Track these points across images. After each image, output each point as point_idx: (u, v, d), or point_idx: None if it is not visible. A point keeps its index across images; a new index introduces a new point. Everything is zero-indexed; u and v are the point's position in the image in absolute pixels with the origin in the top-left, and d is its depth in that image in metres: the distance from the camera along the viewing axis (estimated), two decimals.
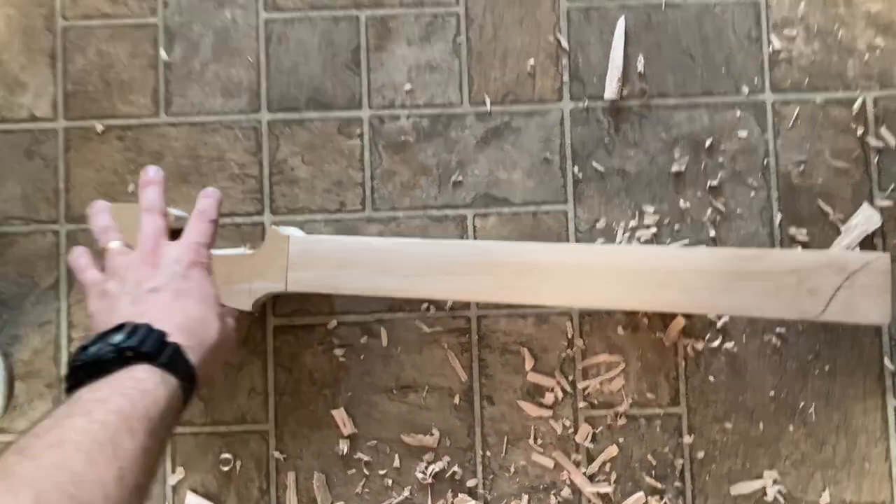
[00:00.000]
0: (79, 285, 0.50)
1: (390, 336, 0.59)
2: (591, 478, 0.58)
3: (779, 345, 0.58)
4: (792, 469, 0.58)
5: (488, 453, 0.58)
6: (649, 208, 0.59)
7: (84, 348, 0.40)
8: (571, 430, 0.58)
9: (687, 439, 0.58)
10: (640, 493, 0.58)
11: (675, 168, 0.60)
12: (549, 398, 0.58)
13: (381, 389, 0.59)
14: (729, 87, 0.60)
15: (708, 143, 0.60)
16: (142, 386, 0.38)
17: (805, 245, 0.59)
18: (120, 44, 0.61)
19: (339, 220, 0.60)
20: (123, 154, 0.60)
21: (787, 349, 0.58)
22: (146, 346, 0.39)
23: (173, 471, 0.58)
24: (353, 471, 0.58)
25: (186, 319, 0.43)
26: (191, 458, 0.59)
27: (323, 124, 0.61)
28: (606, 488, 0.58)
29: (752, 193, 0.59)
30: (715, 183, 0.59)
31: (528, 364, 0.59)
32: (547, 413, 0.58)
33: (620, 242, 0.59)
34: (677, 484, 0.58)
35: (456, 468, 0.58)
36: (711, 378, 0.58)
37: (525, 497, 0.58)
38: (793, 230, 0.59)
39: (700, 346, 0.58)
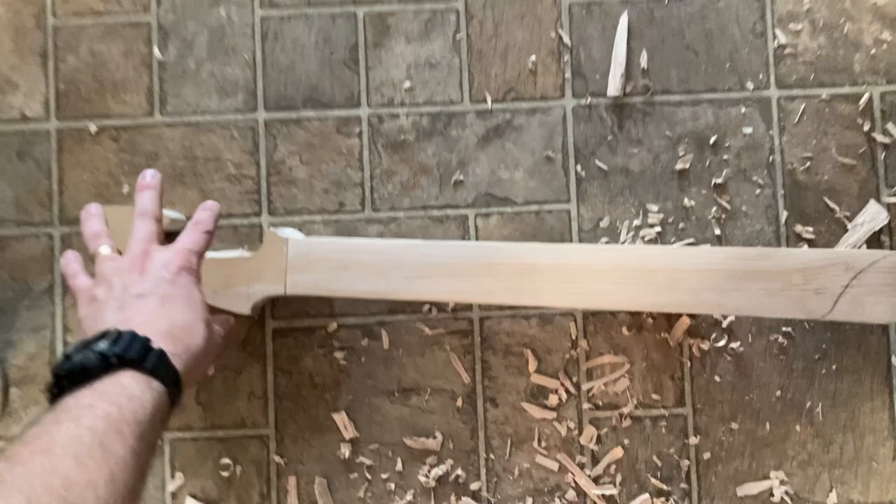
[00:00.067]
0: (69, 291, 0.49)
1: (391, 338, 0.58)
2: (596, 480, 0.57)
3: (785, 344, 0.58)
4: (799, 469, 0.57)
5: (492, 456, 0.58)
6: (653, 207, 0.59)
7: (68, 356, 0.39)
8: (576, 431, 0.58)
9: (693, 440, 0.57)
10: (646, 495, 0.57)
11: (679, 166, 0.59)
12: (553, 400, 0.58)
13: (382, 392, 0.58)
14: (733, 83, 0.59)
15: (712, 139, 0.59)
16: (128, 392, 0.38)
17: (811, 243, 0.58)
18: (113, 42, 0.60)
19: (338, 220, 0.59)
20: (118, 155, 0.59)
21: (794, 348, 0.58)
22: (131, 352, 0.39)
23: (172, 476, 0.58)
24: (355, 475, 0.58)
25: (171, 326, 0.42)
26: (190, 463, 0.58)
27: (321, 123, 0.60)
28: (612, 490, 0.57)
29: (758, 191, 0.59)
30: (720, 180, 0.58)
31: (532, 366, 0.58)
32: (551, 415, 0.58)
33: (624, 241, 0.58)
34: (683, 485, 0.57)
35: (459, 471, 0.57)
36: (717, 378, 0.58)
37: (529, 500, 0.57)
38: (799, 228, 0.58)
39: (706, 345, 0.58)
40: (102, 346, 0.39)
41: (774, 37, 0.59)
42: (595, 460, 0.58)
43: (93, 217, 0.49)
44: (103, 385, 0.38)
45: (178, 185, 0.59)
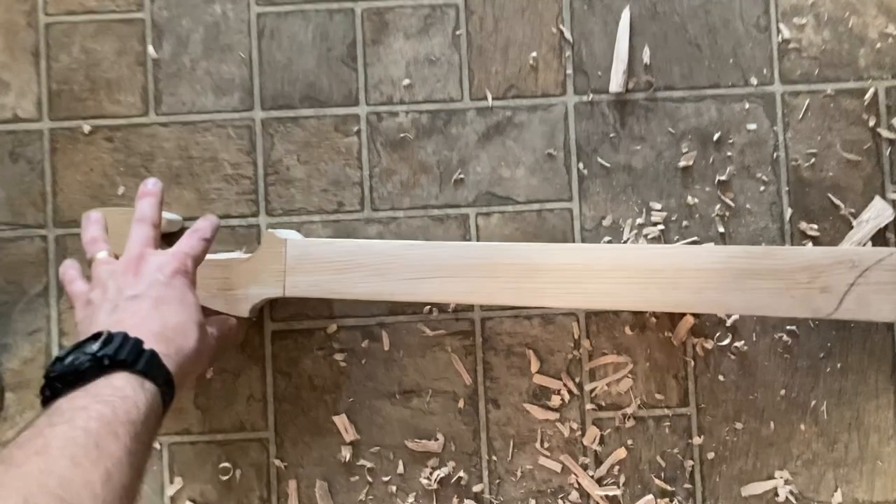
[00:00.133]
0: (67, 297, 0.49)
1: (392, 340, 0.58)
2: (600, 481, 0.57)
3: (789, 342, 0.57)
4: (803, 468, 0.57)
5: (494, 458, 0.57)
6: (656, 204, 0.58)
7: (59, 359, 0.39)
8: (579, 432, 0.57)
9: (697, 440, 0.57)
10: (650, 496, 0.56)
11: (682, 163, 0.58)
12: (555, 401, 0.57)
13: (383, 394, 0.57)
14: (737, 79, 0.58)
15: (716, 136, 0.58)
16: (121, 393, 0.38)
17: (816, 240, 0.58)
18: (106, 40, 0.59)
19: (337, 220, 0.58)
20: (112, 155, 0.58)
21: (798, 347, 0.57)
22: (122, 353, 0.39)
23: (171, 481, 0.57)
24: (357, 478, 0.57)
25: (163, 327, 0.43)
26: (189, 467, 0.57)
27: (319, 122, 0.59)
28: (615, 491, 0.56)
29: (762, 188, 0.58)
30: (723, 177, 0.58)
31: (534, 366, 0.57)
32: (553, 416, 0.57)
33: (627, 240, 0.58)
34: (687, 486, 0.57)
35: (461, 473, 0.57)
36: (721, 377, 0.57)
37: (532, 501, 0.57)
38: (803, 225, 0.58)
39: (709, 345, 0.57)
40: (94, 347, 0.39)
41: (778, 31, 0.58)
42: (598, 461, 0.57)
43: (92, 223, 0.49)
44: (96, 387, 0.38)
45: (174, 186, 0.58)
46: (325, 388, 0.58)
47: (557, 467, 0.57)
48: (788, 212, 0.58)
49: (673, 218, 0.58)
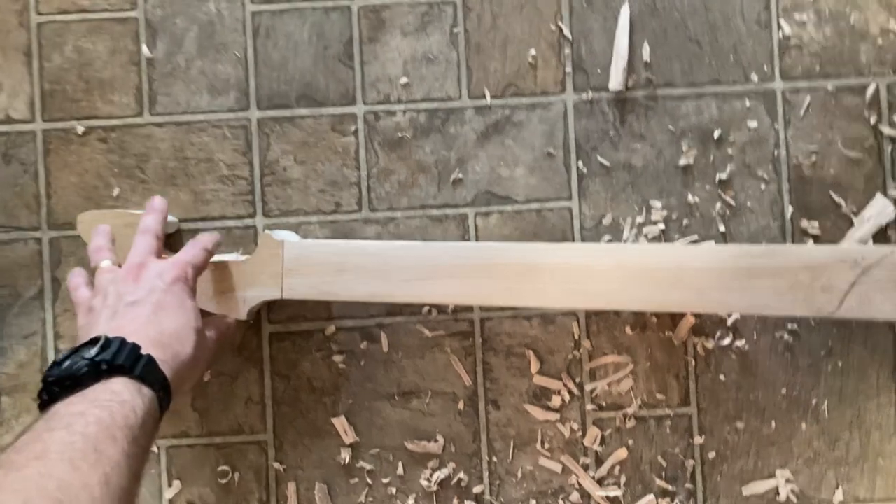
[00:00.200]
0: (72, 304, 0.50)
1: (391, 341, 0.57)
2: (601, 481, 0.57)
3: (791, 341, 0.57)
4: (805, 467, 0.57)
5: (494, 459, 0.57)
6: (657, 203, 0.57)
7: (57, 363, 0.40)
8: (579, 433, 0.57)
9: (698, 440, 0.57)
10: (651, 496, 0.56)
11: (682, 161, 0.57)
12: (555, 401, 0.57)
13: (382, 396, 0.57)
14: (738, 76, 0.58)
15: (716, 134, 0.57)
16: (119, 398, 0.38)
17: (817, 238, 0.57)
18: (99, 39, 0.58)
19: (334, 221, 0.58)
20: (106, 156, 0.58)
21: (800, 346, 0.57)
22: (120, 358, 0.40)
23: (170, 484, 0.57)
24: (356, 480, 0.57)
25: (161, 333, 0.43)
26: (187, 470, 0.57)
27: (315, 121, 0.58)
28: (616, 492, 0.56)
29: (763, 186, 0.57)
30: (724, 176, 0.57)
31: (534, 367, 0.57)
32: (554, 416, 0.57)
33: (627, 239, 0.57)
34: (688, 485, 0.57)
35: (462, 475, 0.57)
36: (722, 377, 0.57)
37: (533, 502, 0.56)
38: (804, 223, 0.57)
39: (710, 344, 0.57)
40: (92, 352, 0.40)
41: (779, 27, 0.58)
42: (599, 461, 0.57)
43: (99, 235, 0.51)
44: (94, 391, 0.38)
45: (170, 187, 0.58)
46: (323, 390, 0.57)
47: (558, 468, 0.57)
48: (789, 210, 0.57)
49: (673, 216, 0.57)
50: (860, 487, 0.57)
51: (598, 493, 0.56)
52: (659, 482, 0.56)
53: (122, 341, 0.41)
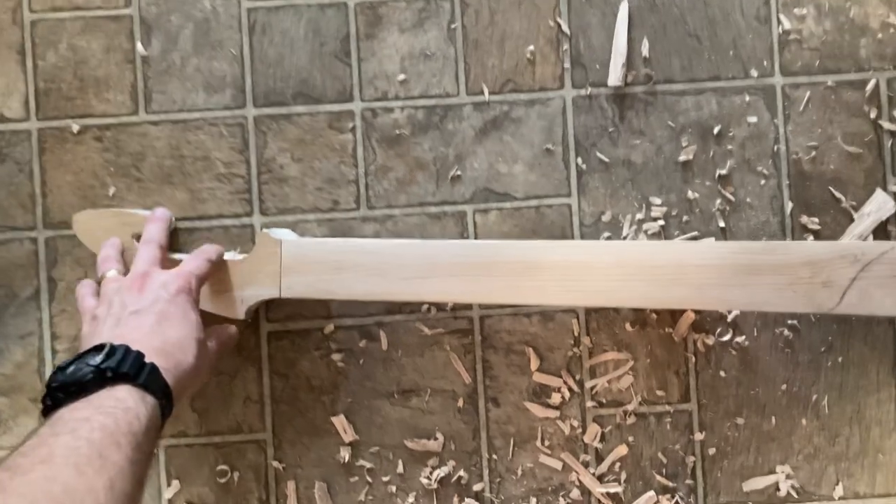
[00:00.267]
0: (79, 313, 0.50)
1: (390, 339, 0.57)
2: (601, 478, 0.57)
3: (791, 337, 0.57)
4: (805, 463, 0.57)
5: (494, 456, 0.57)
6: (656, 200, 0.57)
7: (61, 369, 0.40)
8: (579, 430, 0.57)
9: (698, 436, 0.57)
10: (651, 493, 0.56)
11: (682, 157, 0.57)
12: (555, 398, 0.57)
13: (382, 394, 0.57)
14: (737, 71, 0.57)
15: (716, 130, 0.57)
16: (123, 405, 0.39)
17: (817, 234, 0.57)
18: (93, 37, 0.57)
19: (332, 219, 0.57)
20: (102, 155, 0.57)
21: (800, 341, 0.57)
22: (125, 366, 0.40)
23: (168, 484, 0.56)
24: (356, 478, 0.57)
25: (164, 342, 0.44)
26: (186, 470, 0.57)
27: (312, 119, 0.58)
28: (616, 488, 0.56)
29: (763, 182, 0.57)
30: (724, 171, 0.57)
31: (534, 364, 0.57)
32: (554, 414, 0.57)
33: (627, 236, 0.57)
34: (689, 482, 0.57)
35: (462, 472, 0.57)
36: (722, 373, 0.57)
37: (533, 500, 0.56)
38: (804, 219, 0.57)
39: (710, 340, 0.57)
40: (97, 359, 0.40)
41: (779, 22, 0.58)
42: (599, 458, 0.57)
43: (108, 246, 0.52)
44: (99, 398, 0.39)
45: (166, 186, 0.57)
46: (322, 388, 0.57)
47: (558, 465, 0.56)
48: (789, 205, 0.57)
49: (673, 213, 0.57)
50: (860, 483, 0.57)
51: (598, 489, 0.56)
52: (659, 478, 0.56)
53: (127, 349, 0.41)
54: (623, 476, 0.56)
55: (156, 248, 0.50)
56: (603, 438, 0.57)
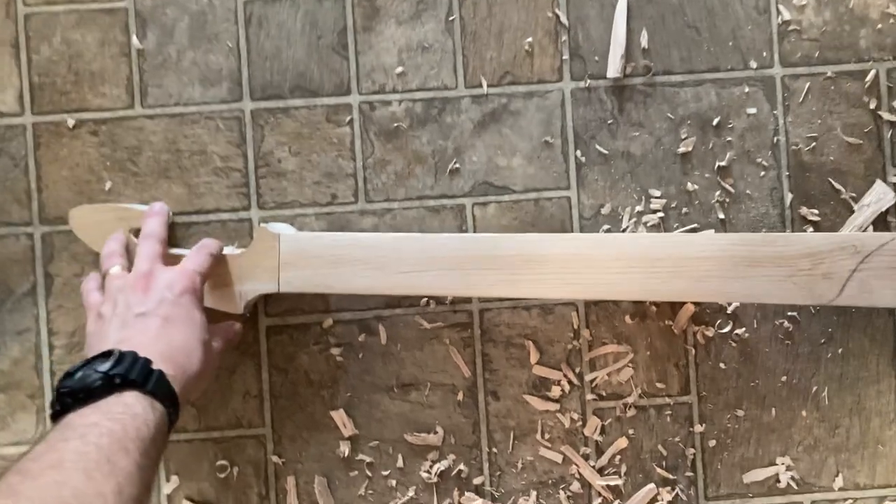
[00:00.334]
0: (83, 308, 0.50)
1: (389, 333, 0.57)
2: (601, 471, 0.56)
3: (791, 329, 0.57)
4: (805, 454, 0.57)
5: (494, 450, 0.57)
6: (656, 192, 0.57)
7: (70, 374, 0.41)
8: (580, 423, 0.57)
9: (698, 428, 0.57)
10: (652, 485, 0.56)
11: (681, 149, 0.57)
12: (555, 391, 0.57)
13: (381, 388, 0.57)
14: (736, 62, 0.57)
15: (715, 121, 0.57)
16: (131, 411, 0.39)
17: (816, 225, 0.57)
18: (88, 31, 0.57)
19: (330, 213, 0.57)
20: (98, 150, 0.57)
21: (799, 333, 0.57)
22: (133, 373, 0.41)
23: (168, 479, 0.56)
24: (356, 473, 0.56)
25: (170, 348, 0.44)
26: (185, 465, 0.56)
27: (310, 112, 0.57)
28: (616, 481, 0.56)
29: (762, 173, 0.57)
30: (723, 163, 0.57)
31: (534, 357, 0.57)
32: (554, 407, 0.56)
33: (626, 228, 0.57)
34: (689, 474, 0.57)
35: (462, 466, 0.56)
36: (722, 365, 0.57)
37: (534, 493, 0.56)
38: (804, 210, 0.57)
39: (710, 332, 0.57)
40: (106, 366, 0.41)
41: (778, 13, 0.57)
42: (599, 451, 0.57)
43: (112, 241, 0.51)
44: (107, 404, 0.40)
45: (163, 180, 0.57)
46: (322, 383, 0.57)
47: (558, 458, 0.56)
48: (789, 197, 0.57)
49: (672, 205, 0.57)
50: (860, 474, 0.57)
51: (598, 482, 0.56)
52: (659, 471, 0.56)
53: (135, 356, 0.42)
54: (623, 469, 0.56)
55: (156, 243, 0.50)
56: (603, 431, 0.57)
